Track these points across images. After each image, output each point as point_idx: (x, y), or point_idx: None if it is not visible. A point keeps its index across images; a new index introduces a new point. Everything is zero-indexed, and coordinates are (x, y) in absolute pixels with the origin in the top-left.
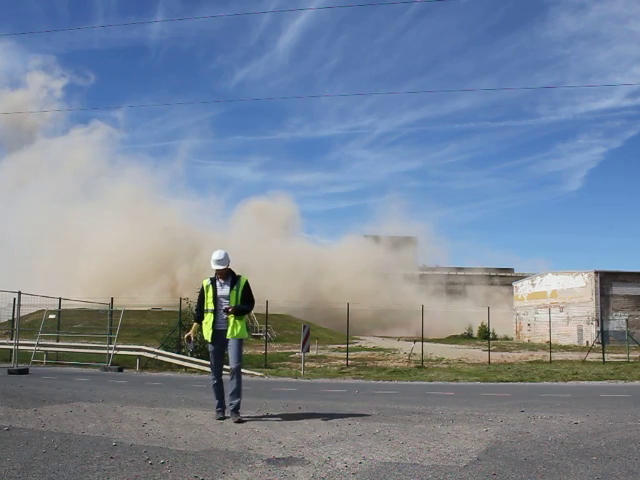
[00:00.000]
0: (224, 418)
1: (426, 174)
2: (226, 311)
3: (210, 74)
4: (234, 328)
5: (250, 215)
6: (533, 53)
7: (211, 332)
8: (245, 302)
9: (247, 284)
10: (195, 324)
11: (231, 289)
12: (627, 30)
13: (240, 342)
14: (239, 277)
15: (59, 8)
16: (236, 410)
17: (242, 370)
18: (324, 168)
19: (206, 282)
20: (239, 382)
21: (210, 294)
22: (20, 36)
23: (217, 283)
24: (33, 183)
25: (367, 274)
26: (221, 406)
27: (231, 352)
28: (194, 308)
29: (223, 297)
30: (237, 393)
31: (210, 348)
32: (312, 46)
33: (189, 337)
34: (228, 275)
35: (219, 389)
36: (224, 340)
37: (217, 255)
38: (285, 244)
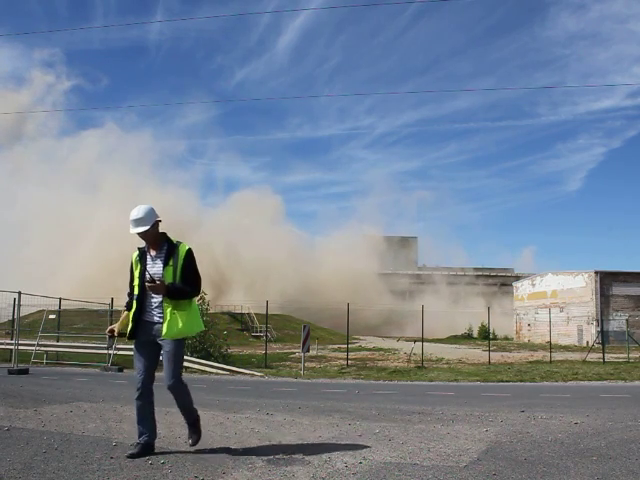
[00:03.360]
0: (135, 456)
1: (426, 174)
2: (152, 288)
3: (210, 74)
4: (172, 323)
5: (236, 208)
6: (533, 53)
7: (132, 325)
8: (186, 282)
9: (189, 255)
10: (125, 313)
11: (165, 264)
12: (627, 30)
13: (179, 345)
14: (177, 245)
15: (59, 8)
16: (193, 426)
17: (242, 370)
18: (324, 168)
19: (135, 255)
20: (183, 399)
21: (137, 273)
22: (18, 36)
23: (148, 257)
24: (30, 182)
25: (367, 274)
26: (141, 434)
27: (164, 360)
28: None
29: (155, 277)
30: (184, 409)
31: (134, 346)
32: (311, 46)
33: (112, 331)
34: (163, 244)
35: (143, 407)
36: (153, 335)
37: (134, 212)
38: (274, 239)
